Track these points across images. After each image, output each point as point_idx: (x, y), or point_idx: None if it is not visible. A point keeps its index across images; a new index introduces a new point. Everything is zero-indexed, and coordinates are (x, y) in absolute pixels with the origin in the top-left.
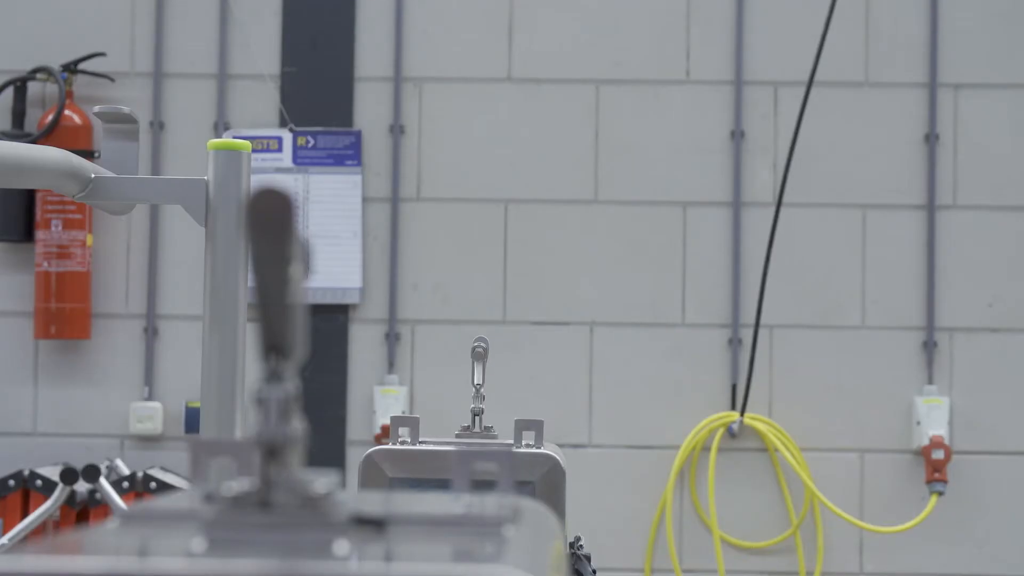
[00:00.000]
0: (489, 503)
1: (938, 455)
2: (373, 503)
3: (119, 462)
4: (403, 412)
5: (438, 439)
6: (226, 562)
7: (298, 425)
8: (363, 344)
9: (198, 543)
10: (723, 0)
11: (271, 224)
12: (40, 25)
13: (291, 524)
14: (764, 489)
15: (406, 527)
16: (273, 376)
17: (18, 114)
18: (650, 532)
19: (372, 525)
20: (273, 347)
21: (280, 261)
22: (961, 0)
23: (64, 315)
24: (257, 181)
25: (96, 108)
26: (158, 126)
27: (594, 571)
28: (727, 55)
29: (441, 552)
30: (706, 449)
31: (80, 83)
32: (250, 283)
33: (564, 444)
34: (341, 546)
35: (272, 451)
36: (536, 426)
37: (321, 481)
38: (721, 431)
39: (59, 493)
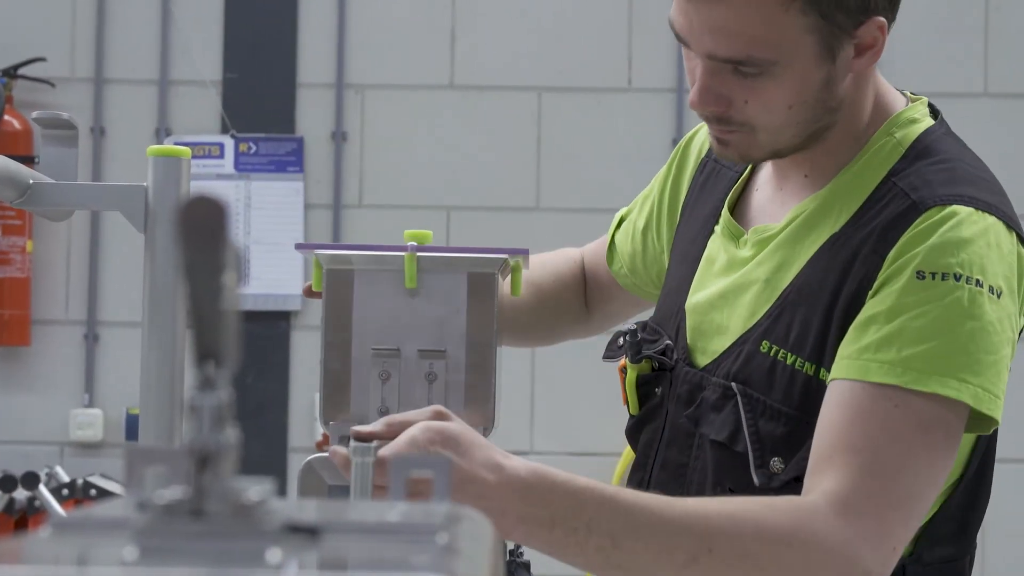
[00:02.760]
0: (425, 511)
1: None
2: (308, 511)
3: (59, 469)
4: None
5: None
6: (157, 571)
7: (232, 433)
8: (305, 351)
9: (129, 551)
10: (665, 10)
11: (203, 232)
12: None
13: (223, 532)
14: None
15: (340, 535)
16: (206, 384)
17: None
18: None
19: (305, 533)
20: (206, 355)
21: (212, 269)
22: None
23: (3, 321)
24: (197, 187)
25: (35, 113)
26: (98, 132)
27: None
28: (669, 63)
29: (374, 560)
30: None
31: (20, 88)
32: (185, 291)
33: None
34: (273, 554)
35: (205, 459)
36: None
37: (254, 489)
38: None
39: None
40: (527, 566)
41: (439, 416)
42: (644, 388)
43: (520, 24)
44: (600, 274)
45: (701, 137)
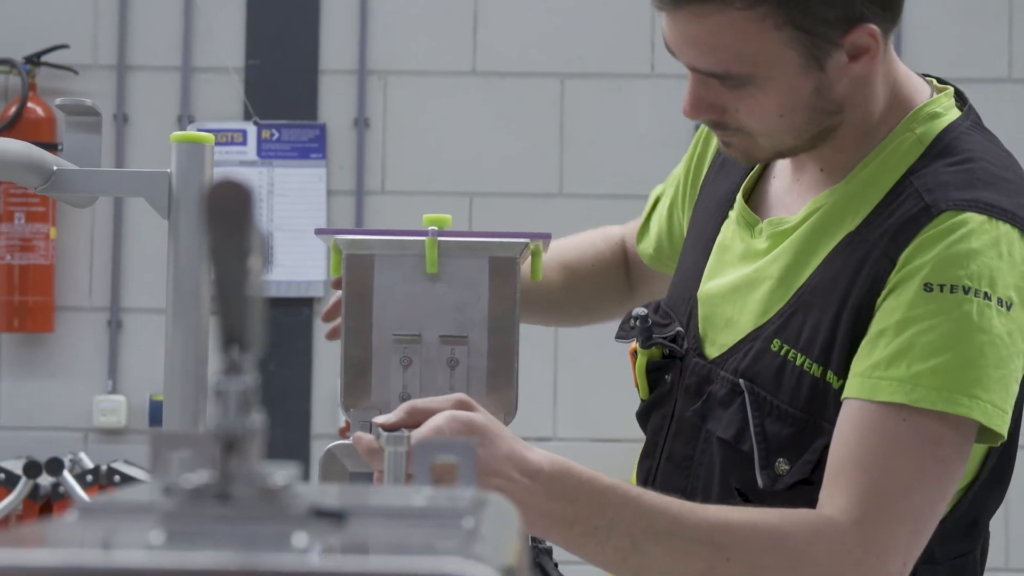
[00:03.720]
0: (450, 496)
1: None
2: (333, 496)
3: (83, 455)
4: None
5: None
6: (183, 555)
7: (257, 417)
8: None
9: (156, 535)
10: None
11: (229, 216)
12: (2, 17)
13: (249, 516)
14: None
15: (365, 519)
16: (232, 368)
17: None
18: None
19: (331, 517)
20: (232, 339)
21: (238, 253)
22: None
23: (27, 308)
24: (220, 174)
25: (58, 100)
26: (121, 119)
27: (556, 564)
28: None
29: (400, 545)
30: None
31: (43, 75)
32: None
33: (528, 437)
34: (299, 538)
35: (231, 443)
36: (499, 419)
37: (280, 473)
38: None
39: (22, 487)
40: (549, 552)
41: (463, 405)
42: (654, 374)
43: (542, 10)
44: (636, 253)
45: (711, 144)
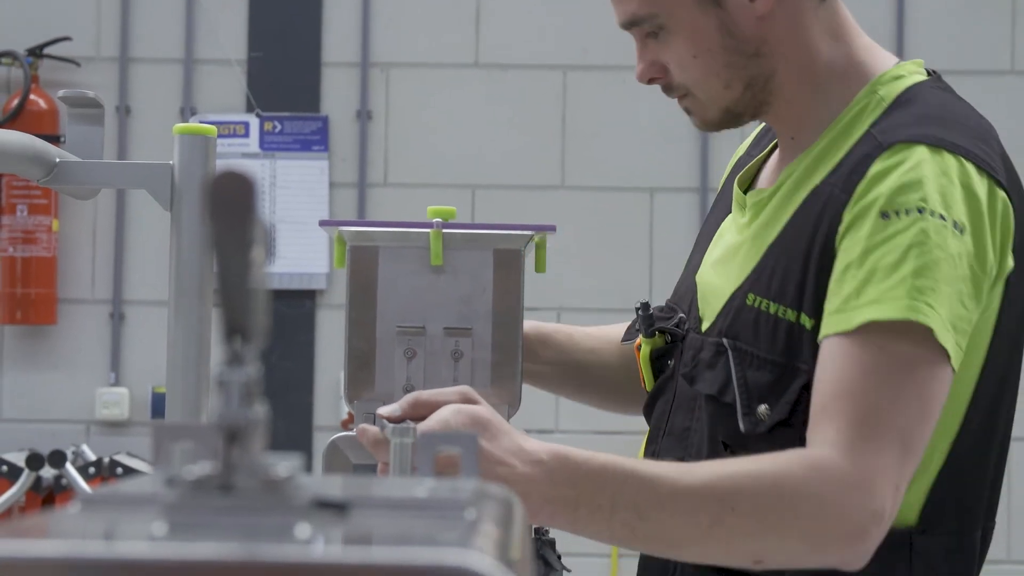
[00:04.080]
0: (452, 488)
1: None
2: (335, 487)
3: (85, 448)
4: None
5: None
6: (186, 546)
7: (260, 408)
8: (330, 329)
9: (159, 527)
10: None
11: (232, 207)
12: (5, 9)
13: (252, 507)
14: None
15: (368, 511)
16: (235, 359)
17: None
18: None
19: (334, 509)
20: (234, 330)
21: (241, 243)
22: None
23: (30, 300)
24: (223, 166)
25: (61, 92)
26: (124, 111)
27: (559, 556)
28: None
29: (402, 536)
30: None
31: (45, 68)
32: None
33: (531, 430)
34: (302, 529)
35: (234, 434)
36: (503, 412)
37: (283, 465)
38: None
39: (25, 479)
40: (552, 544)
41: (467, 398)
42: (658, 363)
43: (544, 3)
44: None
45: (741, 147)
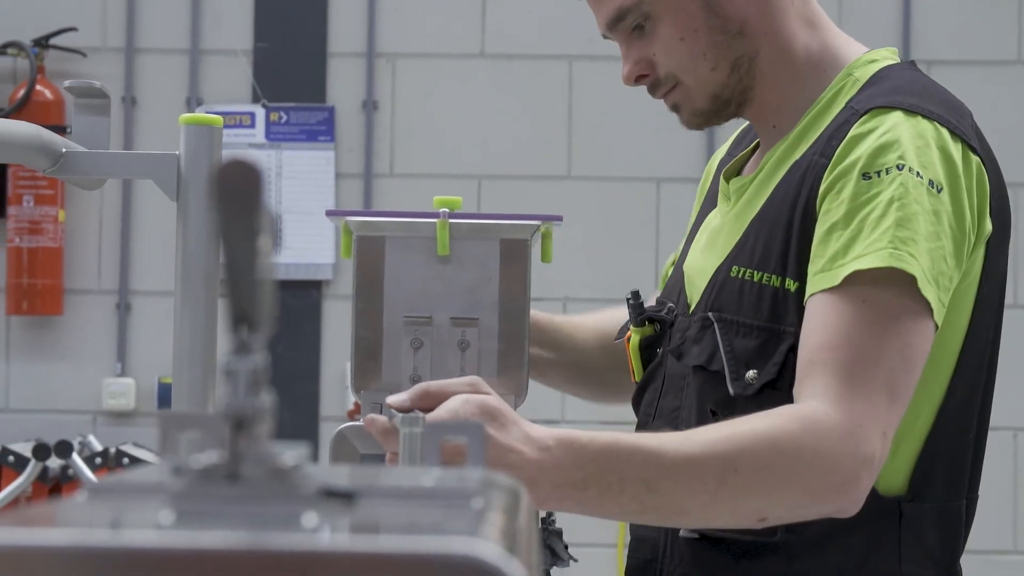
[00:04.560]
0: (460, 477)
1: None
2: (342, 476)
3: (92, 438)
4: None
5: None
6: (193, 534)
7: (267, 397)
8: (336, 320)
9: (165, 515)
10: None
11: (239, 195)
12: (11, 0)
13: (259, 496)
14: None
15: (375, 500)
16: (242, 348)
17: None
18: None
19: (341, 498)
20: (241, 319)
21: (248, 232)
22: None
23: (36, 291)
24: (229, 155)
25: (67, 82)
26: (130, 101)
27: (566, 546)
28: None
29: (410, 525)
30: None
31: (51, 58)
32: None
33: (537, 420)
34: (309, 518)
35: (241, 423)
36: (510, 402)
37: (290, 453)
38: None
39: (31, 469)
40: (559, 534)
41: (476, 388)
42: (647, 351)
43: None
44: None
45: (719, 151)
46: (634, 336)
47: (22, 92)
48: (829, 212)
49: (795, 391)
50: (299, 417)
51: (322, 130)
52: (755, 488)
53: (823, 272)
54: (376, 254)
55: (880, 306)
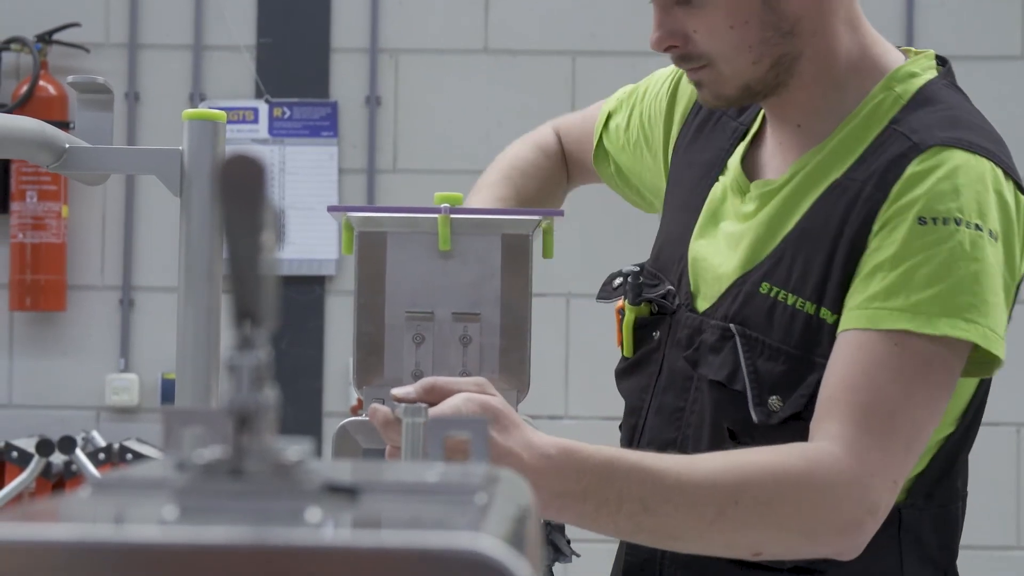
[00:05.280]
0: (463, 472)
1: None
2: (345, 471)
3: (95, 434)
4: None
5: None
6: (197, 530)
7: (270, 392)
8: (339, 315)
9: (169, 511)
10: None
11: (243, 190)
12: None
13: (263, 492)
14: None
15: (378, 495)
16: (245, 343)
17: None
18: None
19: (344, 493)
20: (245, 314)
21: (252, 227)
22: None
23: (39, 287)
24: (232, 151)
25: (71, 78)
26: (133, 97)
27: (568, 541)
28: None
29: (413, 520)
30: None
31: (54, 54)
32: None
33: (540, 415)
34: (313, 514)
35: (244, 418)
36: (512, 398)
37: (293, 449)
38: None
39: (35, 465)
40: (562, 529)
41: (482, 389)
42: (641, 332)
43: None
44: (584, 162)
45: (680, 97)
46: (629, 314)
47: (25, 88)
48: (879, 250)
49: (812, 425)
50: (302, 413)
51: (325, 126)
52: (752, 523)
53: (861, 310)
54: (378, 250)
55: (914, 353)
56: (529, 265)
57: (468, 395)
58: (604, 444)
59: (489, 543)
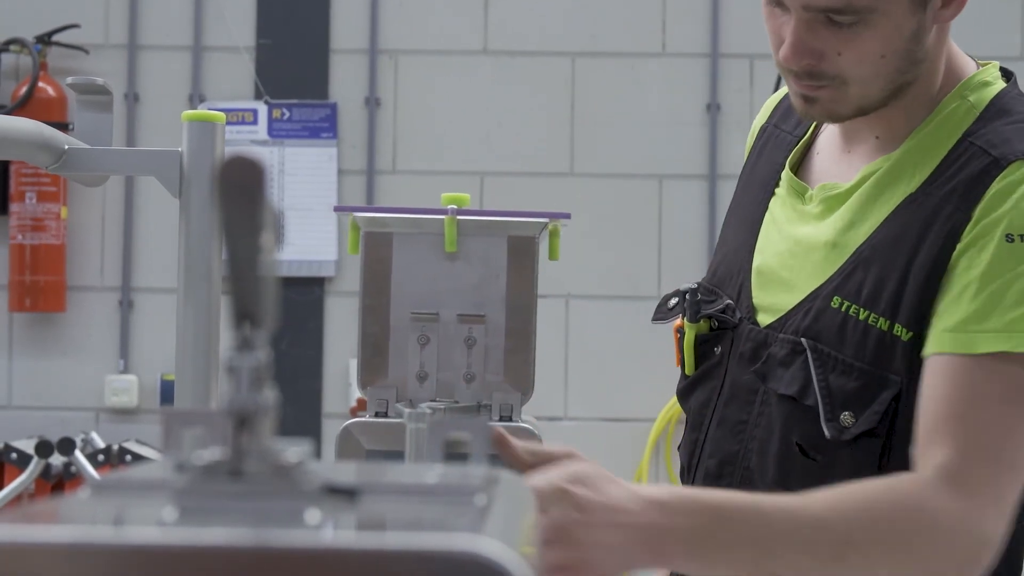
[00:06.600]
0: (463, 473)
1: None
2: (345, 473)
3: (94, 435)
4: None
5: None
6: (196, 531)
7: (269, 393)
8: (339, 317)
9: (169, 512)
10: None
11: (242, 191)
12: None
13: (262, 493)
14: None
15: (378, 496)
16: (244, 344)
17: None
18: None
19: (344, 494)
20: (244, 315)
21: (251, 228)
22: None
23: (39, 288)
24: (231, 152)
25: (70, 79)
26: (132, 98)
27: None
28: (703, 28)
29: (412, 521)
30: (681, 422)
31: (54, 55)
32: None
33: (540, 417)
34: (312, 515)
35: (243, 420)
36: (516, 399)
37: (293, 450)
38: None
39: (34, 466)
40: None
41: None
42: (702, 348)
43: None
44: None
45: (762, 115)
46: (689, 332)
47: (25, 89)
48: (968, 270)
49: (915, 456)
50: (302, 414)
51: (324, 127)
52: (868, 564)
53: (953, 333)
54: (384, 250)
55: (1013, 374)
56: (535, 267)
57: (561, 471)
58: (604, 444)
59: (488, 544)
